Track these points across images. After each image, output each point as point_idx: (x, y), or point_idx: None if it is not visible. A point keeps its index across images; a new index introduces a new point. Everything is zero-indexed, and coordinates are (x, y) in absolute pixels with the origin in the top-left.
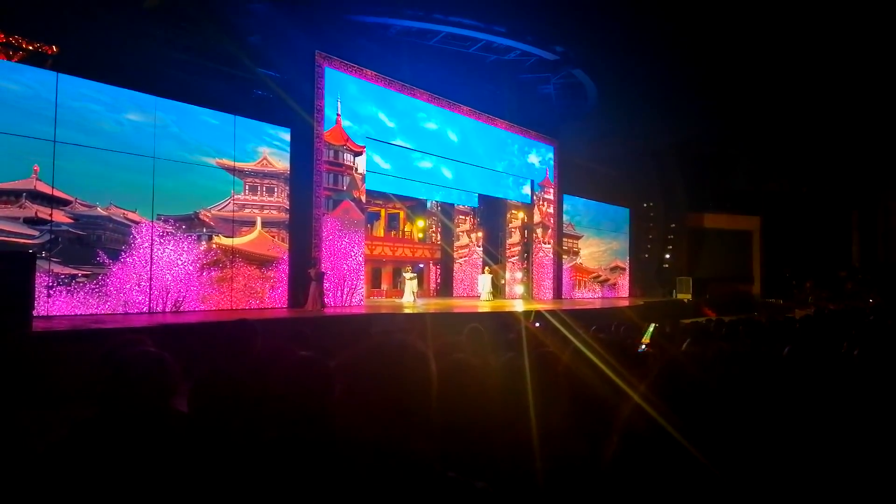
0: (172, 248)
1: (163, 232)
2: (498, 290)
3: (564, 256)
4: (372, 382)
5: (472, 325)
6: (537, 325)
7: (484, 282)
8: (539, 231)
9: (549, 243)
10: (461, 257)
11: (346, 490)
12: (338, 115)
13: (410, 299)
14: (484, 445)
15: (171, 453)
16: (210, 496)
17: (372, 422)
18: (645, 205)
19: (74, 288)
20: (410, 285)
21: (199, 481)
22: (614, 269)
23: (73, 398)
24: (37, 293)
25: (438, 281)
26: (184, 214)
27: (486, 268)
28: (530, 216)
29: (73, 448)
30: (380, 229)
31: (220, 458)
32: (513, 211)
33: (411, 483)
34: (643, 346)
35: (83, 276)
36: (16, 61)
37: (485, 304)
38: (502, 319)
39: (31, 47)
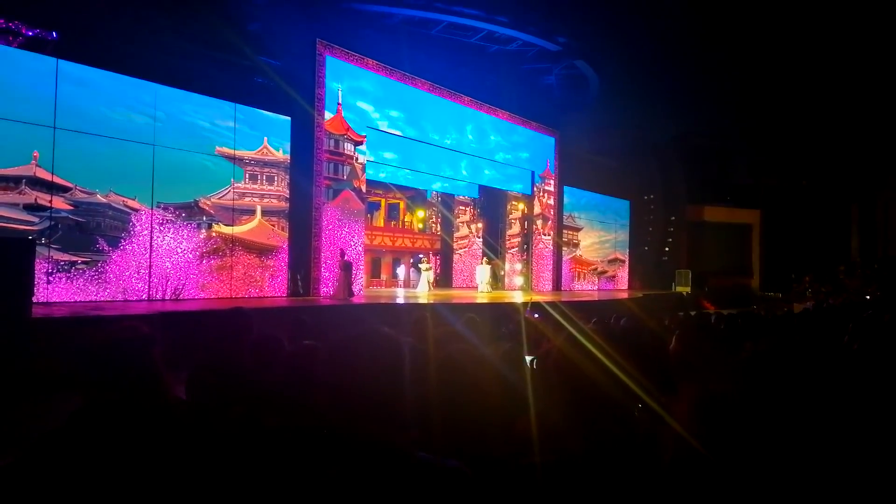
0: (172, 235)
1: (162, 219)
2: (498, 280)
3: (564, 248)
4: (345, 371)
5: (469, 316)
6: (536, 316)
7: (482, 273)
8: (539, 222)
9: (549, 235)
10: (461, 248)
11: (319, 476)
12: (339, 104)
13: (426, 289)
14: (481, 436)
15: (171, 440)
16: (210, 483)
17: (343, 409)
18: (645, 197)
19: (74, 275)
20: (426, 276)
21: (199, 468)
22: (613, 261)
23: (72, 385)
24: (36, 279)
25: (438, 272)
26: (183, 202)
27: (485, 259)
28: (530, 207)
29: (70, 436)
30: (380, 219)
31: (219, 444)
32: (513, 202)
33: (382, 466)
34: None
35: (82, 262)
36: (15, 47)
37: (483, 295)
38: (501, 310)
39: (30, 33)
